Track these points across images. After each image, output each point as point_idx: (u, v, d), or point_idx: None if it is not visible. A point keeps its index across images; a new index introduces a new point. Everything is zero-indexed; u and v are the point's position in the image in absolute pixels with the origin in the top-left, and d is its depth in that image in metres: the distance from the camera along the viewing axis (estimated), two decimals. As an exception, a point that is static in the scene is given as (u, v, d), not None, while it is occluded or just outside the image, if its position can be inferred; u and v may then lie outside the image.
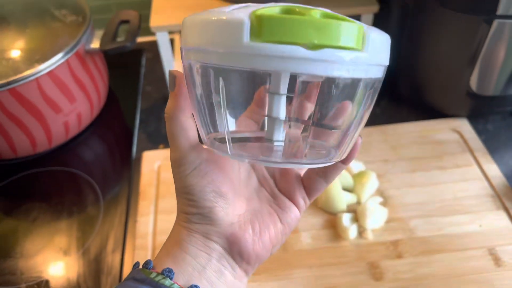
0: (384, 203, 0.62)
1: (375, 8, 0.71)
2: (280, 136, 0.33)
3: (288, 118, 0.33)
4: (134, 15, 0.72)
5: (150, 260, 0.33)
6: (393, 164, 0.67)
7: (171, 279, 0.31)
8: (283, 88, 0.31)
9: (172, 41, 0.91)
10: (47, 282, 0.57)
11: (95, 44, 0.70)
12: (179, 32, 0.91)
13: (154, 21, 0.70)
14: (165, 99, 0.82)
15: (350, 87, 0.29)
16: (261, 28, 0.24)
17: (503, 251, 0.56)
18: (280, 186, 0.38)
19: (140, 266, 0.33)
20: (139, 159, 0.71)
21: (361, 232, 0.59)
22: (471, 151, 0.69)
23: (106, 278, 0.57)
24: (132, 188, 0.67)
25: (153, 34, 0.71)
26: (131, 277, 0.32)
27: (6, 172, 0.71)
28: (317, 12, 0.26)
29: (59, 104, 0.67)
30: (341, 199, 0.61)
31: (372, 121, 0.73)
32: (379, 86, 0.30)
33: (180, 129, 0.31)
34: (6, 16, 0.70)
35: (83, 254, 0.60)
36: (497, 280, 0.54)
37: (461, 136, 0.71)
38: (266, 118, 0.34)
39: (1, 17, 0.70)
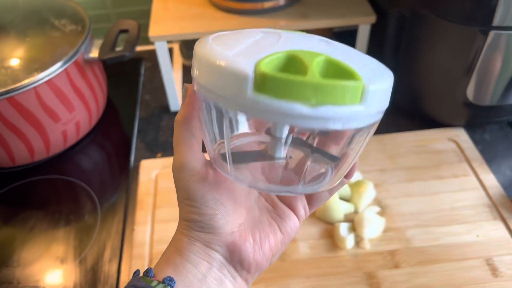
0: (382, 213, 0.62)
1: (372, 18, 0.72)
2: (281, 154, 0.34)
3: (287, 153, 0.34)
4: (133, 25, 0.73)
5: (150, 268, 0.33)
6: (390, 174, 0.67)
7: (172, 287, 0.31)
8: (284, 133, 0.33)
9: (171, 51, 0.91)
10: (43, 291, 0.57)
11: (94, 53, 0.70)
12: (178, 41, 0.91)
13: (153, 30, 0.70)
14: (163, 108, 0.82)
15: (349, 134, 0.31)
16: (263, 84, 0.26)
17: (501, 261, 0.56)
18: (281, 196, 0.38)
19: (141, 274, 0.33)
20: (137, 168, 0.71)
21: (358, 241, 0.59)
22: (468, 161, 0.69)
23: (103, 288, 0.57)
24: (130, 197, 0.67)
25: (152, 43, 0.71)
26: (131, 285, 0.32)
27: (4, 180, 0.71)
28: (319, 62, 0.27)
29: (58, 113, 0.67)
30: (339, 208, 0.61)
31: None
32: (375, 127, 0.31)
33: (185, 136, 0.33)
34: (6, 25, 0.70)
35: (80, 263, 0.60)
36: (494, 290, 0.54)
37: (458, 145, 0.71)
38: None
39: (1, 26, 0.70)
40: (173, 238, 0.35)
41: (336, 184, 0.34)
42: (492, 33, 0.60)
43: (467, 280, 0.55)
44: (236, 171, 0.33)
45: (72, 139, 0.73)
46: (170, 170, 0.68)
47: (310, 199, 0.37)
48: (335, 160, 0.34)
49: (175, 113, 0.81)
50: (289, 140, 0.34)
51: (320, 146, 0.33)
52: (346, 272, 0.56)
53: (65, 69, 0.65)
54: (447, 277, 0.55)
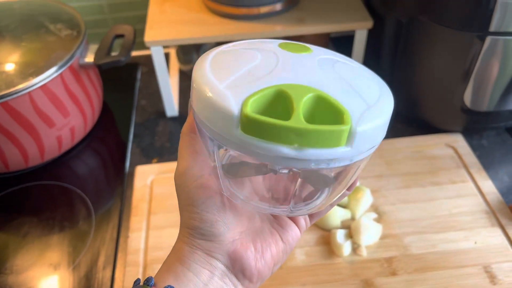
0: (379, 219, 0.62)
1: (369, 24, 0.71)
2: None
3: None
4: (129, 30, 0.73)
5: (151, 277, 0.33)
6: (387, 180, 0.67)
7: None
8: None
9: (167, 56, 0.91)
10: (36, 299, 0.56)
11: (90, 58, 0.69)
12: (175, 47, 0.91)
13: (149, 36, 0.70)
14: (159, 114, 0.82)
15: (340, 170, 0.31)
16: (248, 126, 0.26)
17: (499, 268, 0.56)
18: None
19: (141, 283, 0.33)
20: (132, 173, 0.71)
21: (355, 248, 0.58)
22: (465, 167, 0.68)
23: (96, 295, 0.56)
24: (125, 203, 0.67)
25: (148, 48, 0.71)
26: None
27: (-3, 186, 0.71)
28: (308, 100, 0.27)
29: (52, 118, 0.66)
30: (335, 215, 0.60)
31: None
32: (373, 151, 0.31)
33: (188, 144, 0.33)
34: (2, 30, 0.70)
35: (73, 270, 0.59)
36: (492, 298, 0.53)
37: (456, 151, 0.71)
38: None
39: (-4, 31, 0.70)
40: (174, 246, 0.35)
41: (330, 203, 0.35)
42: (489, 39, 0.59)
43: (465, 288, 0.54)
44: (233, 186, 0.33)
45: (67, 145, 0.72)
46: (165, 176, 0.68)
47: None
48: (329, 184, 0.34)
49: (171, 118, 0.81)
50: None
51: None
52: (343, 280, 0.56)
53: (60, 74, 0.65)
54: (445, 284, 0.54)
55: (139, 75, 0.92)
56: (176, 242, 0.35)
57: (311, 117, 0.27)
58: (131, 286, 0.33)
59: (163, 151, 0.75)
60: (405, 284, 0.55)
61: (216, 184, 0.33)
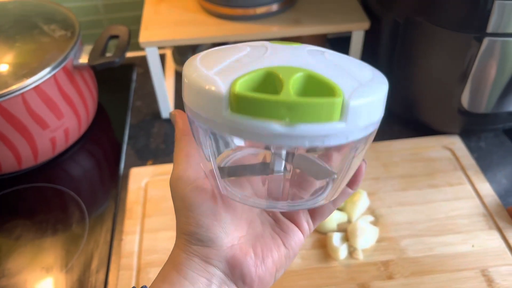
0: (375, 222, 0.61)
1: (366, 25, 0.71)
2: (280, 168, 0.34)
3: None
4: (124, 30, 0.72)
5: (145, 286, 0.32)
6: (384, 182, 0.66)
7: None
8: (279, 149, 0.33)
9: (163, 57, 0.90)
10: (28, 303, 0.56)
11: (84, 59, 0.69)
12: (171, 47, 0.90)
13: (144, 36, 0.69)
14: (154, 115, 0.81)
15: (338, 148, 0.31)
16: (237, 104, 0.25)
17: (496, 272, 0.55)
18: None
19: None
20: (126, 175, 0.70)
21: (351, 252, 0.58)
22: (463, 169, 0.68)
23: (89, 299, 0.55)
24: (119, 206, 0.66)
25: (144, 49, 0.70)
26: None
27: (-10, 188, 0.70)
28: (298, 78, 0.26)
29: (46, 120, 0.66)
30: (331, 218, 0.60)
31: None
32: (372, 137, 0.30)
33: (182, 148, 0.33)
34: (-5, 31, 0.69)
35: (66, 273, 0.58)
36: (490, 302, 0.52)
37: (453, 153, 0.70)
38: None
39: (-11, 31, 0.69)
40: (171, 253, 0.33)
41: (333, 197, 0.33)
42: (486, 40, 0.59)
43: (462, 292, 0.53)
44: (229, 185, 0.33)
45: (61, 147, 0.71)
46: (160, 178, 0.67)
47: (313, 212, 0.36)
48: (329, 175, 0.33)
49: (167, 120, 0.80)
50: (284, 155, 0.33)
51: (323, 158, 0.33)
52: (339, 284, 0.55)
53: (54, 75, 0.64)
54: (442, 288, 0.54)
55: (134, 76, 0.91)
56: (173, 249, 0.34)
57: (301, 94, 0.26)
58: None
59: (158, 152, 0.74)
60: (402, 288, 0.54)
61: (212, 186, 0.32)
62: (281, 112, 0.25)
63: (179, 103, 0.83)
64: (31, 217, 0.65)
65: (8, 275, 0.58)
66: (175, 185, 0.32)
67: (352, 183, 0.33)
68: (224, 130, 0.27)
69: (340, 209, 0.62)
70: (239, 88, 0.26)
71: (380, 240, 0.59)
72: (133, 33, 0.75)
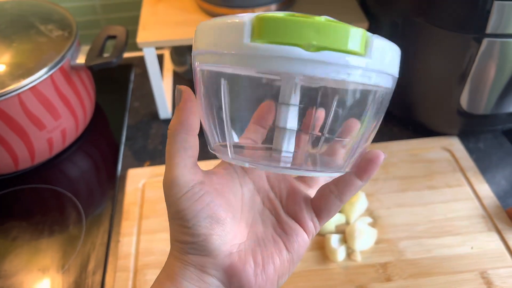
0: (373, 224, 0.61)
1: (365, 25, 0.71)
2: (288, 146, 0.32)
3: (297, 129, 0.32)
4: (121, 31, 0.72)
5: None
6: (383, 183, 0.66)
7: None
8: (294, 99, 0.31)
9: (161, 57, 0.90)
10: (23, 305, 0.55)
11: (81, 60, 0.68)
12: (169, 48, 0.90)
13: (141, 37, 0.69)
14: (152, 116, 0.81)
15: (359, 96, 0.29)
16: (261, 29, 0.25)
17: (496, 274, 0.55)
18: (287, 208, 0.34)
19: None
20: (124, 176, 0.70)
21: (349, 253, 0.57)
22: (462, 171, 0.68)
23: (85, 301, 0.55)
24: (116, 207, 0.66)
25: (141, 49, 0.70)
26: None
27: (-13, 189, 0.69)
28: (321, 17, 0.26)
29: (43, 121, 0.65)
30: (330, 219, 0.59)
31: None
32: (387, 99, 0.30)
33: (179, 148, 0.30)
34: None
35: (63, 275, 0.58)
36: (489, 305, 0.52)
37: (452, 155, 0.70)
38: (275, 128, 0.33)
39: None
40: (166, 262, 0.32)
41: (345, 170, 0.31)
42: (485, 41, 0.59)
43: (461, 294, 0.53)
44: (238, 154, 0.31)
45: (58, 147, 0.71)
46: (158, 179, 0.67)
47: (319, 209, 0.33)
48: (343, 138, 0.32)
49: (165, 120, 0.80)
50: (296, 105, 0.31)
51: (329, 131, 0.32)
52: (337, 286, 0.55)
53: (50, 76, 0.64)
54: (441, 290, 0.54)
55: (132, 77, 0.91)
56: (168, 257, 0.32)
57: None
58: None
59: (156, 154, 0.74)
60: (400, 290, 0.54)
61: (210, 191, 0.30)
62: (308, 35, 0.24)
63: (177, 103, 0.83)
64: (27, 218, 0.65)
65: (4, 276, 0.58)
66: (168, 191, 0.30)
67: (362, 173, 0.30)
68: (243, 62, 0.26)
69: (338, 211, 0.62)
70: (263, 15, 0.25)
71: (378, 241, 0.59)
72: (131, 34, 0.75)
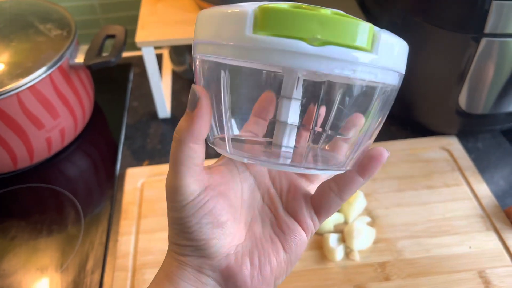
0: (372, 223, 0.61)
1: (364, 25, 0.71)
2: (289, 142, 0.31)
3: (298, 124, 0.32)
4: (120, 30, 0.72)
5: None
6: (381, 183, 0.66)
7: None
8: (296, 93, 0.30)
9: (160, 57, 0.90)
10: (22, 304, 0.55)
11: (80, 59, 0.68)
12: (168, 47, 0.90)
13: (140, 36, 0.69)
14: (151, 115, 0.81)
15: (363, 93, 0.28)
16: (264, 20, 0.24)
17: (494, 274, 0.55)
18: (287, 205, 0.34)
19: None
20: (122, 176, 0.69)
21: (348, 253, 0.57)
22: (460, 170, 0.68)
23: (84, 301, 0.55)
24: (115, 206, 0.66)
25: (140, 49, 0.70)
26: None
27: (-15, 188, 0.69)
28: (327, 10, 0.25)
29: (41, 120, 0.65)
30: (328, 218, 0.59)
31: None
32: (392, 96, 0.29)
33: (186, 156, 0.28)
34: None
35: (61, 274, 0.58)
36: (487, 304, 0.52)
37: (451, 154, 0.70)
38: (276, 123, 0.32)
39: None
40: (163, 261, 0.32)
41: (346, 167, 0.30)
42: (484, 41, 0.59)
43: (459, 294, 0.53)
44: (236, 149, 0.30)
45: (56, 146, 0.71)
46: (156, 179, 0.67)
47: (319, 207, 0.32)
48: (345, 135, 0.31)
49: (164, 120, 0.80)
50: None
51: (331, 127, 0.31)
52: (336, 285, 0.55)
53: (49, 75, 0.64)
54: (439, 290, 0.54)
55: (131, 76, 0.91)
56: (165, 257, 0.32)
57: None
58: None
59: (155, 153, 0.74)
60: (399, 290, 0.54)
61: (213, 195, 0.30)
62: (313, 28, 0.23)
63: (176, 103, 0.83)
64: (26, 218, 0.65)
65: (3, 275, 0.58)
66: (172, 197, 0.29)
67: (364, 171, 0.30)
68: (244, 55, 0.25)
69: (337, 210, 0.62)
70: (266, 5, 0.24)
71: (376, 241, 0.59)
72: (130, 33, 0.75)
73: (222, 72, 0.28)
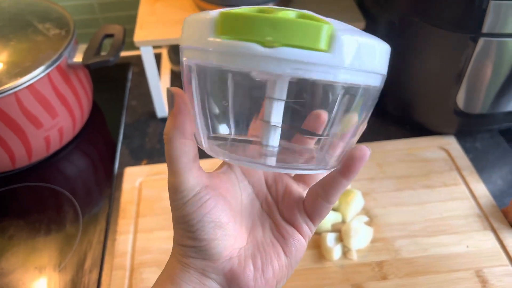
0: (370, 223, 0.61)
1: (362, 24, 0.71)
2: (274, 141, 0.31)
3: (285, 124, 0.32)
4: (119, 29, 0.72)
5: None
6: (379, 182, 0.66)
7: None
8: (279, 94, 0.30)
9: (159, 56, 0.90)
10: (20, 303, 0.55)
11: (78, 58, 0.68)
12: (167, 47, 0.90)
13: (138, 35, 0.69)
14: (150, 115, 0.81)
15: (338, 94, 0.28)
16: (222, 25, 0.25)
17: (491, 273, 0.55)
18: (283, 212, 0.34)
19: None
20: (121, 175, 0.70)
21: (345, 252, 0.58)
22: (458, 170, 0.68)
23: (82, 299, 0.55)
24: (113, 205, 0.66)
25: (139, 48, 0.70)
26: None
27: (-16, 187, 0.69)
28: (291, 12, 0.25)
29: (40, 119, 0.65)
30: (326, 218, 0.59)
31: (358, 138, 0.72)
32: (370, 96, 0.29)
33: (179, 153, 0.29)
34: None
35: (59, 273, 0.58)
36: (484, 303, 0.52)
37: (449, 154, 0.70)
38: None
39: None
40: (167, 262, 0.32)
41: (329, 167, 0.30)
42: (482, 40, 0.59)
43: (456, 293, 0.53)
44: (226, 150, 0.31)
45: (55, 146, 0.71)
46: (154, 178, 0.67)
47: (311, 213, 0.33)
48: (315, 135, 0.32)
49: (162, 119, 0.80)
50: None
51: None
52: (333, 284, 0.55)
53: (48, 74, 0.64)
54: (436, 289, 0.54)
55: (130, 76, 0.91)
56: (169, 257, 0.32)
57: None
58: None
59: (153, 152, 0.74)
60: (396, 289, 0.54)
61: (215, 195, 0.30)
62: (264, 30, 0.24)
63: (174, 102, 0.83)
64: (24, 217, 0.65)
65: (1, 274, 0.58)
66: (173, 196, 0.30)
67: (346, 171, 0.30)
68: (208, 56, 0.26)
69: (334, 209, 0.62)
70: (227, 11, 0.25)
71: (374, 240, 0.59)
72: (129, 32, 0.75)
73: (193, 74, 0.29)
